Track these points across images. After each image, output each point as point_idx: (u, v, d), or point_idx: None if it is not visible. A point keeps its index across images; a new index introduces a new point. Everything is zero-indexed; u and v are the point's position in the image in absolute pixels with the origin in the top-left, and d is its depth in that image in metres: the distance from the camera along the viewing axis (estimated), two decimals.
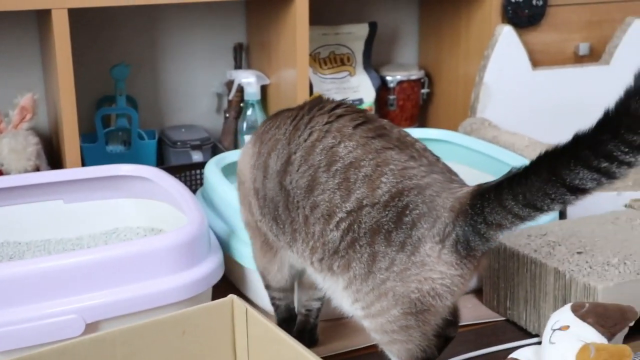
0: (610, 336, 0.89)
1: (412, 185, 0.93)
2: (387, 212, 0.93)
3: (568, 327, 0.90)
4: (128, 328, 0.94)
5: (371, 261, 0.94)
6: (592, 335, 0.88)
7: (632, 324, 1.13)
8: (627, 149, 0.81)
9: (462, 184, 0.97)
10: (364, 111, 1.06)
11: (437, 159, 1.01)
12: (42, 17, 1.66)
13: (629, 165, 0.82)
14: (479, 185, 0.93)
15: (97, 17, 1.87)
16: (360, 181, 0.96)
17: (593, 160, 0.82)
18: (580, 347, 0.85)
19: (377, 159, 0.96)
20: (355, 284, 0.96)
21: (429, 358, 0.98)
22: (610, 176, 0.83)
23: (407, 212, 0.92)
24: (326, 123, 1.02)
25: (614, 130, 0.81)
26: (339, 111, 1.03)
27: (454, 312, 1.08)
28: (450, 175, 0.98)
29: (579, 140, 0.84)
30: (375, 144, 0.98)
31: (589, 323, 0.89)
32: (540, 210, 0.87)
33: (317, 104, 1.07)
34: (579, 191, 0.84)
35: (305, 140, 1.02)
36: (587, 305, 0.92)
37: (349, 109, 1.04)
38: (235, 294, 1.01)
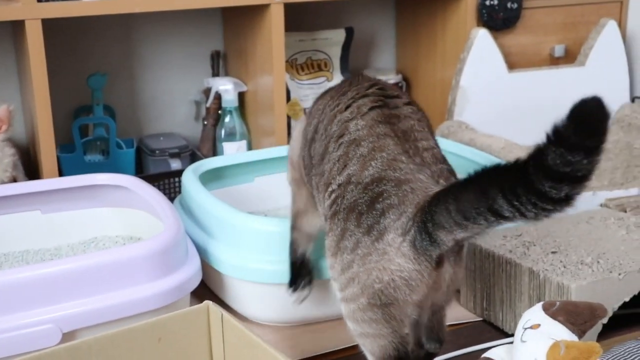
0: (580, 333, 0.90)
1: (393, 177, 0.96)
2: (364, 194, 0.96)
3: (539, 325, 0.90)
4: (103, 336, 0.94)
5: (341, 236, 0.97)
6: (562, 333, 0.89)
7: (606, 321, 1.16)
8: (537, 200, 0.81)
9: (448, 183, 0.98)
10: (394, 94, 1.08)
11: (437, 162, 1.01)
12: (17, 28, 1.66)
13: (537, 214, 0.82)
14: (443, 187, 0.94)
15: (73, 26, 1.87)
16: (355, 159, 0.99)
17: (511, 194, 0.82)
18: (550, 345, 0.86)
19: (376, 143, 0.99)
20: (329, 256, 1.01)
21: (402, 357, 0.98)
22: (523, 215, 0.83)
23: (380, 199, 0.94)
24: (351, 98, 1.06)
25: (529, 177, 0.80)
26: (370, 90, 1.07)
27: (437, 328, 1.07)
28: (439, 179, 0.98)
29: (511, 169, 0.83)
30: (379, 129, 1.01)
31: (559, 321, 0.90)
32: (471, 221, 0.86)
33: (360, 80, 1.12)
34: (499, 215, 0.84)
35: (332, 110, 1.07)
36: (557, 303, 0.93)
37: (377, 90, 1.07)
38: (213, 300, 1.02)
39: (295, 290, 1.24)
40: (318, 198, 1.08)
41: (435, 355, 1.09)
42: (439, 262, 0.94)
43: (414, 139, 1.01)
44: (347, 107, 1.05)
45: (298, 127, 1.22)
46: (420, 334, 1.07)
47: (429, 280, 0.94)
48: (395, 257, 0.92)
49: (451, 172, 1.02)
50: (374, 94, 1.06)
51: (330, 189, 1.02)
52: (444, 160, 1.02)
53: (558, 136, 0.78)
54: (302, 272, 1.24)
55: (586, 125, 0.78)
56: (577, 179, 0.79)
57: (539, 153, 0.80)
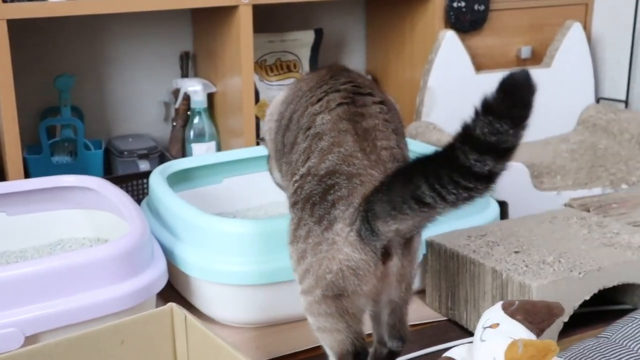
0: (538, 332, 0.92)
1: (345, 171, 0.98)
2: (318, 186, 0.99)
3: (498, 324, 0.92)
4: (66, 339, 0.94)
5: (297, 225, 1.01)
6: (521, 331, 0.90)
7: (567, 319, 1.18)
8: (452, 187, 0.84)
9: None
10: (367, 92, 1.09)
11: (393, 160, 1.02)
12: None
13: (457, 195, 0.84)
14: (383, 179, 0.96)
15: (41, 27, 1.86)
16: (317, 152, 1.02)
17: (434, 178, 0.84)
18: (508, 344, 0.87)
19: (336, 138, 1.02)
20: (288, 244, 1.03)
21: (359, 352, 1.00)
22: (444, 199, 0.85)
23: (332, 191, 0.97)
24: (324, 92, 1.08)
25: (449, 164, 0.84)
26: (343, 86, 1.08)
27: (398, 326, 1.08)
28: None
29: (437, 153, 0.86)
30: (342, 125, 1.03)
31: (518, 320, 0.92)
32: (398, 210, 0.89)
33: (340, 72, 1.13)
34: (421, 202, 0.86)
35: (306, 101, 1.10)
36: (516, 303, 0.94)
37: (350, 87, 1.08)
38: (180, 302, 1.02)
39: None
40: (285, 185, 1.11)
41: (398, 353, 1.10)
42: (386, 255, 0.96)
43: (373, 138, 1.03)
44: (318, 100, 1.08)
45: (280, 96, 1.24)
46: (383, 332, 1.08)
47: (377, 271, 0.95)
48: (343, 246, 0.95)
49: (404, 155, 1.05)
50: (346, 90, 1.08)
51: (294, 179, 1.05)
52: (403, 160, 1.04)
53: (487, 106, 0.81)
54: None
55: (514, 95, 0.81)
56: (502, 151, 0.82)
57: (466, 127, 0.82)
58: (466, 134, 0.82)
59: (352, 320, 0.98)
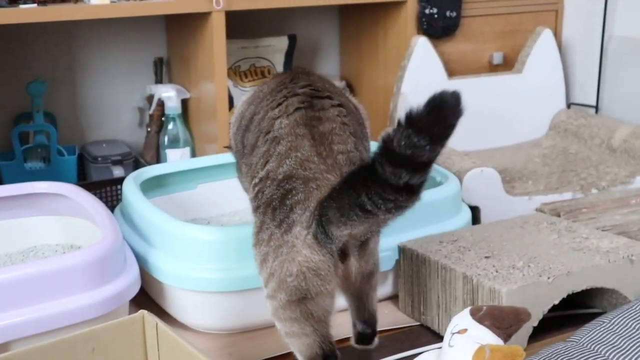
0: (506, 337, 0.93)
1: (302, 175, 1.01)
2: (277, 190, 1.02)
3: (466, 330, 0.93)
4: (35, 347, 0.94)
5: (259, 229, 1.03)
6: (488, 337, 0.92)
7: (536, 324, 1.19)
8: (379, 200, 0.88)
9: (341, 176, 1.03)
10: (325, 95, 1.11)
11: (349, 164, 1.04)
12: None
13: (386, 206, 0.89)
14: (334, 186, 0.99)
15: (12, 33, 1.85)
16: (275, 156, 1.04)
17: (367, 187, 0.89)
18: (476, 349, 0.88)
19: (293, 142, 1.04)
20: (252, 247, 1.05)
21: (328, 356, 1.03)
22: (379, 208, 0.89)
23: (290, 195, 1.00)
24: (284, 96, 1.10)
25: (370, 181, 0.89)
26: (301, 90, 1.10)
27: (365, 310, 1.15)
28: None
29: (365, 168, 0.90)
30: (299, 130, 1.05)
31: (485, 325, 0.93)
32: (346, 217, 0.93)
33: (301, 75, 1.16)
34: (364, 210, 0.90)
35: (267, 105, 1.11)
36: (484, 308, 0.95)
37: (309, 91, 1.10)
38: (154, 309, 1.02)
39: None
40: (245, 186, 1.14)
41: (368, 336, 1.17)
42: (343, 256, 0.99)
43: (330, 142, 1.05)
44: (278, 105, 1.10)
45: (244, 97, 1.26)
46: (355, 318, 1.16)
47: (337, 270, 0.99)
48: (302, 248, 0.98)
49: (365, 146, 1.09)
50: (304, 94, 1.10)
51: (254, 182, 1.07)
52: (360, 163, 1.05)
53: (409, 119, 0.83)
54: None
55: (439, 113, 0.83)
56: (417, 166, 0.84)
57: (386, 139, 0.85)
58: (385, 146, 0.85)
59: (317, 324, 1.01)
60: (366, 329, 1.17)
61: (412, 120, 0.83)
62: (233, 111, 1.95)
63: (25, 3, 1.59)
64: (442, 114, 0.84)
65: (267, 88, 1.17)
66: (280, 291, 1.00)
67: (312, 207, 0.98)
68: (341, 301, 1.12)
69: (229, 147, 1.37)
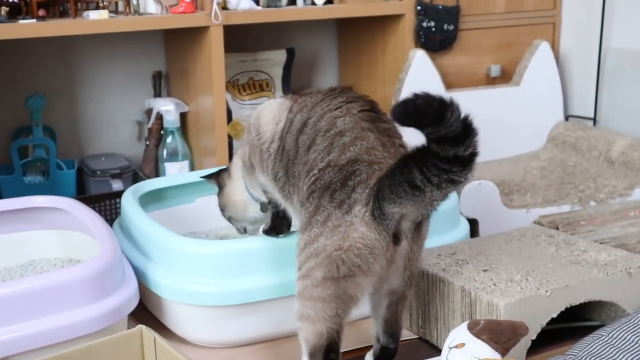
0: (503, 351, 0.93)
1: (366, 159, 1.07)
2: (339, 174, 1.07)
3: (464, 344, 0.93)
4: None
5: (314, 212, 1.07)
6: (486, 351, 0.92)
7: (534, 337, 1.19)
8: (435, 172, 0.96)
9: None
10: (375, 108, 1.19)
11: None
12: None
13: (440, 178, 0.97)
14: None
15: (12, 48, 1.86)
16: (338, 147, 1.10)
17: (423, 162, 0.97)
18: None
19: (358, 134, 1.11)
20: (300, 235, 1.09)
21: (331, 349, 1.05)
22: (430, 182, 0.97)
23: (352, 177, 1.06)
24: (342, 101, 1.17)
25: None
26: (359, 98, 1.19)
27: (392, 320, 1.15)
28: None
29: (421, 148, 0.97)
30: (364, 125, 1.12)
31: (483, 340, 0.93)
32: (395, 194, 1.00)
33: (349, 90, 1.22)
34: (413, 185, 0.97)
35: (322, 109, 1.17)
36: (482, 322, 0.96)
37: (365, 103, 1.18)
38: (152, 323, 1.02)
39: (267, 234, 1.33)
40: (297, 186, 1.16)
41: (390, 351, 1.16)
42: (396, 239, 1.04)
43: (392, 136, 1.13)
44: (337, 108, 1.16)
45: (268, 113, 1.27)
46: (379, 327, 1.15)
47: (387, 253, 1.03)
48: (360, 226, 1.03)
49: None
50: (363, 100, 1.18)
51: (311, 174, 1.11)
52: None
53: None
54: (281, 223, 1.33)
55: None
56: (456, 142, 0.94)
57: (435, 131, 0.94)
58: (434, 134, 0.94)
59: (342, 307, 1.05)
60: (390, 343, 1.16)
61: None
62: (235, 127, 1.97)
63: (24, 18, 1.60)
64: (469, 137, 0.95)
65: (311, 100, 1.21)
66: (320, 268, 1.04)
67: (372, 185, 1.04)
68: (359, 309, 1.13)
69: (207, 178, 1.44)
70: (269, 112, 1.25)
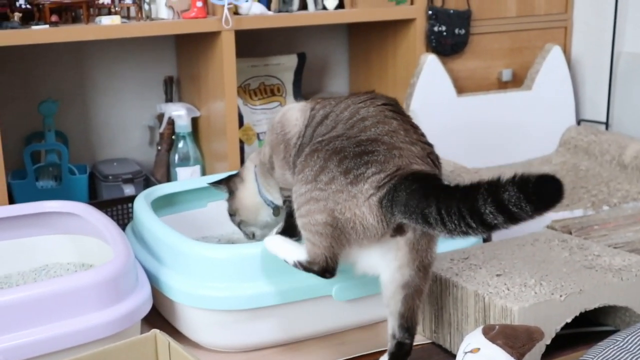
0: (519, 356, 0.93)
1: (388, 141, 1.10)
2: (356, 147, 1.10)
3: (479, 349, 0.93)
4: None
5: (319, 171, 1.11)
6: (501, 356, 0.91)
7: (549, 342, 1.18)
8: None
9: (433, 171, 1.13)
10: (398, 105, 1.24)
11: (429, 146, 1.18)
12: None
13: (457, 228, 0.99)
14: (424, 172, 1.09)
15: (24, 53, 1.87)
16: (358, 128, 1.14)
17: (445, 205, 0.99)
18: None
19: (381, 120, 1.15)
20: (301, 183, 1.13)
21: (327, 270, 1.12)
22: (444, 226, 1.00)
23: (369, 154, 1.09)
24: (367, 98, 1.21)
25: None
26: (382, 98, 1.22)
27: (407, 315, 1.15)
28: (429, 156, 1.15)
29: (453, 187, 1.02)
30: (387, 114, 1.17)
31: (498, 345, 0.93)
32: (408, 215, 1.03)
33: (372, 92, 1.27)
34: (425, 220, 1.01)
35: (346, 104, 1.21)
36: (497, 327, 0.95)
37: (389, 99, 1.22)
38: (166, 327, 1.02)
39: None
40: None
41: (406, 346, 1.16)
42: (401, 229, 1.09)
43: (414, 127, 1.19)
44: (361, 102, 1.20)
45: (294, 112, 1.30)
46: (394, 322, 1.15)
47: (380, 237, 1.09)
48: (362, 206, 1.07)
49: (438, 157, 1.19)
50: (387, 98, 1.23)
51: (317, 140, 1.16)
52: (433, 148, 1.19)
53: (523, 185, 0.95)
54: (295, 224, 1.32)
55: (546, 194, 0.96)
56: (514, 220, 0.96)
57: (498, 184, 0.96)
58: (495, 189, 0.96)
59: (338, 247, 1.11)
60: (406, 338, 1.16)
61: (526, 187, 0.95)
62: (246, 132, 1.98)
63: (37, 24, 1.61)
64: (548, 196, 0.97)
65: (338, 99, 1.25)
66: (322, 213, 1.09)
67: (389, 170, 1.06)
68: (374, 312, 1.14)
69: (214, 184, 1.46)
70: (296, 111, 1.29)
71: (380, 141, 1.10)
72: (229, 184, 1.43)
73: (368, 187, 1.06)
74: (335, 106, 1.23)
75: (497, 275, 1.27)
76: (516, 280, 1.25)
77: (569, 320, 1.21)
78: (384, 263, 1.14)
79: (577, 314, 1.21)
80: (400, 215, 1.04)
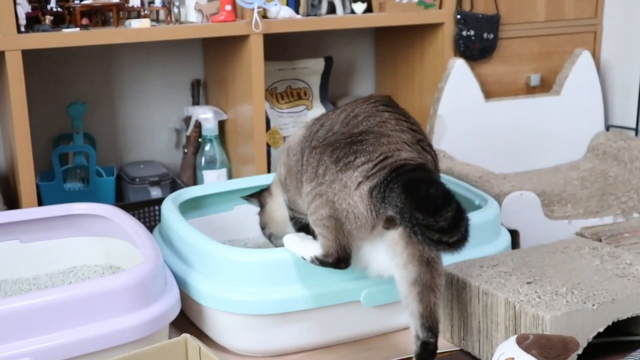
0: None
1: (376, 131, 1.16)
2: (347, 138, 1.17)
3: (513, 359, 0.92)
4: None
5: (316, 166, 1.17)
6: None
7: (580, 351, 1.17)
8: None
9: (424, 161, 1.16)
10: (391, 101, 1.29)
11: (420, 134, 1.22)
12: None
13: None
14: (412, 163, 1.13)
15: (54, 56, 1.88)
16: (351, 124, 1.20)
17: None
18: None
19: (373, 114, 1.20)
20: (305, 186, 1.20)
21: (341, 260, 1.17)
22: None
23: (359, 143, 1.14)
24: (360, 101, 1.27)
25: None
26: (381, 97, 1.29)
27: (426, 315, 1.15)
28: (419, 143, 1.19)
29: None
30: (379, 108, 1.22)
31: (532, 354, 0.92)
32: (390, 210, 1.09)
33: (368, 96, 1.32)
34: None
35: (342, 108, 1.28)
36: (531, 336, 0.94)
37: (382, 98, 1.28)
38: (193, 331, 1.02)
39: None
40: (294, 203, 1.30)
41: (430, 345, 1.16)
42: (392, 222, 1.12)
43: (406, 117, 1.23)
44: (356, 103, 1.27)
45: (298, 131, 1.36)
46: (416, 323, 1.15)
47: (372, 228, 1.13)
48: (354, 194, 1.12)
49: (430, 145, 1.23)
50: (380, 97, 1.28)
51: (317, 139, 1.23)
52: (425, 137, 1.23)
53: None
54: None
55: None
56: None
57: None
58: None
59: (342, 238, 1.16)
60: (430, 337, 1.15)
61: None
62: (273, 135, 1.98)
63: (68, 27, 1.62)
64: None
65: (337, 109, 1.31)
66: (326, 207, 1.15)
67: (375, 160, 1.11)
68: (401, 319, 1.15)
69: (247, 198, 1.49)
70: (300, 130, 1.34)
71: (370, 131, 1.16)
72: (260, 198, 1.47)
73: (357, 175, 1.12)
74: (332, 114, 1.29)
75: (528, 282, 1.26)
76: (547, 288, 1.24)
77: (601, 329, 1.19)
78: (390, 262, 1.15)
79: (610, 323, 1.20)
80: (390, 208, 1.09)
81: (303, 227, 1.33)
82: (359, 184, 1.12)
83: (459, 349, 1.33)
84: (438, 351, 1.31)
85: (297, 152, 1.30)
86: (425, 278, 1.13)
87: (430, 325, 1.15)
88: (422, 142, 1.20)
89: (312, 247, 1.20)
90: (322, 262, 1.18)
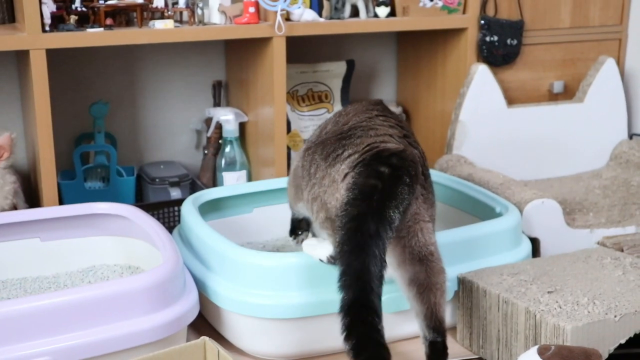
0: None
1: (365, 125, 1.18)
2: (337, 136, 1.19)
3: None
4: None
5: (309, 166, 1.20)
6: None
7: None
8: None
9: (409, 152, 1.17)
10: (382, 104, 1.33)
11: (408, 133, 1.24)
12: (21, 56, 1.67)
13: None
14: (391, 149, 1.13)
15: (77, 55, 1.88)
16: (341, 122, 1.23)
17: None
18: None
19: (362, 110, 1.24)
20: (306, 192, 1.21)
21: None
22: None
23: (347, 138, 1.17)
24: (353, 105, 1.31)
25: None
26: (377, 105, 1.32)
27: (430, 315, 1.16)
28: (406, 138, 1.21)
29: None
30: (369, 107, 1.26)
31: None
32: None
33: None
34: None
35: (336, 114, 1.31)
36: (552, 347, 0.93)
37: (374, 102, 1.33)
38: (211, 333, 1.02)
39: (294, 238, 1.43)
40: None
41: (439, 344, 1.16)
42: None
43: (395, 117, 1.25)
44: (348, 106, 1.31)
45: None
46: (422, 325, 1.16)
47: None
48: (341, 188, 1.12)
49: (417, 142, 1.24)
50: (371, 100, 1.35)
51: (307, 144, 1.25)
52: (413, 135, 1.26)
53: None
54: (300, 225, 1.42)
55: None
56: None
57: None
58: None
59: None
60: (437, 337, 1.16)
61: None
62: (294, 138, 1.97)
63: (92, 27, 1.62)
64: None
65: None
66: (322, 210, 1.16)
67: (361, 151, 1.12)
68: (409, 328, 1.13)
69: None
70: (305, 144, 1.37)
71: (358, 127, 1.19)
72: None
73: (344, 168, 1.13)
74: (329, 118, 1.33)
75: (549, 292, 1.25)
76: (568, 298, 1.23)
77: (622, 341, 1.18)
78: (387, 263, 1.14)
79: (632, 334, 1.18)
80: None
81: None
82: (345, 175, 1.13)
83: (477, 357, 1.32)
84: (456, 358, 1.31)
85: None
86: (421, 277, 1.14)
87: (434, 326, 1.16)
88: (409, 138, 1.22)
89: (327, 249, 1.21)
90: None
